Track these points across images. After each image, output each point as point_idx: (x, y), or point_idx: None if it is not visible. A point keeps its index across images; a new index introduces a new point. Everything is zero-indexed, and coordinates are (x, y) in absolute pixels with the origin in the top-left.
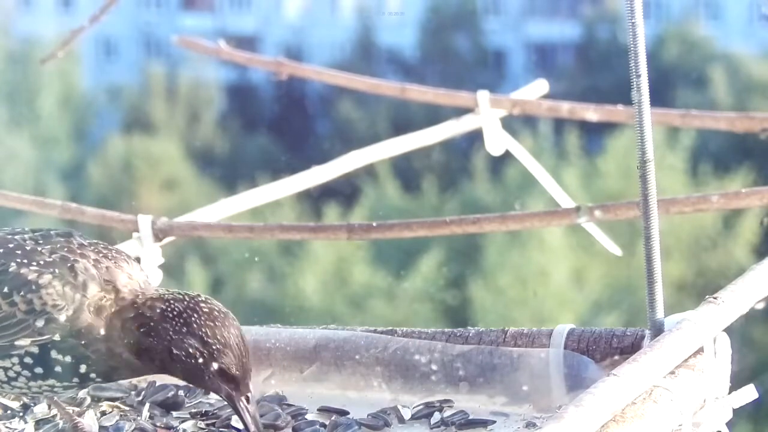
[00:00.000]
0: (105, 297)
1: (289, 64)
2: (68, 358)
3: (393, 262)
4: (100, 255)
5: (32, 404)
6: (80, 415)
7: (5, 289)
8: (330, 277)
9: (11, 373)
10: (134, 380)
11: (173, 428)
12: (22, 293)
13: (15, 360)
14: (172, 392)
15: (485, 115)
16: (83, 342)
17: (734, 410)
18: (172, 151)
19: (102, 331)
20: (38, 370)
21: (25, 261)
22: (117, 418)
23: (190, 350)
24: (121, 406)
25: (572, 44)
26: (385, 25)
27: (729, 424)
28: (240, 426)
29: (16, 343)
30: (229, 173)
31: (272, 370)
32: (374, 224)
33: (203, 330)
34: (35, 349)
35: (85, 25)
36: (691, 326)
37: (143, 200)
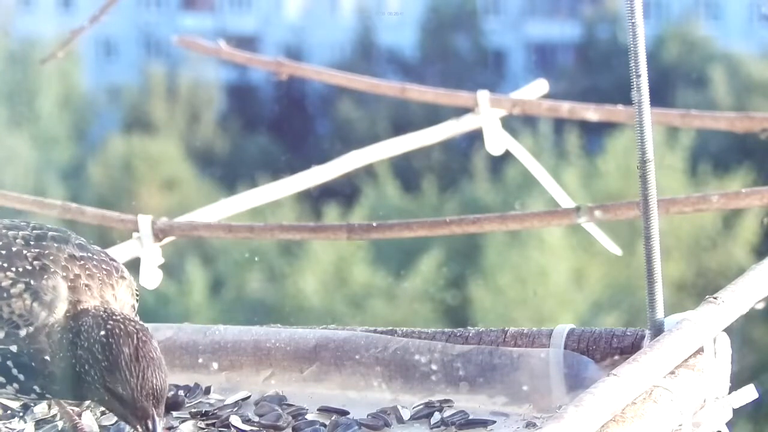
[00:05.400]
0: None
1: (289, 64)
2: (21, 375)
3: (393, 262)
4: (86, 272)
5: (32, 404)
6: (80, 415)
7: None
8: (330, 277)
9: None
10: None
11: (173, 428)
12: None
13: None
14: (172, 392)
15: (485, 115)
16: (32, 363)
17: (734, 410)
18: (172, 151)
19: (47, 357)
20: (0, 378)
21: (5, 265)
22: (117, 417)
23: (86, 366)
24: None
25: (572, 44)
26: (385, 25)
27: (729, 424)
28: (241, 426)
29: None
30: (229, 173)
31: (272, 370)
32: (374, 224)
33: (96, 347)
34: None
35: (85, 25)
36: (691, 326)
37: (143, 200)
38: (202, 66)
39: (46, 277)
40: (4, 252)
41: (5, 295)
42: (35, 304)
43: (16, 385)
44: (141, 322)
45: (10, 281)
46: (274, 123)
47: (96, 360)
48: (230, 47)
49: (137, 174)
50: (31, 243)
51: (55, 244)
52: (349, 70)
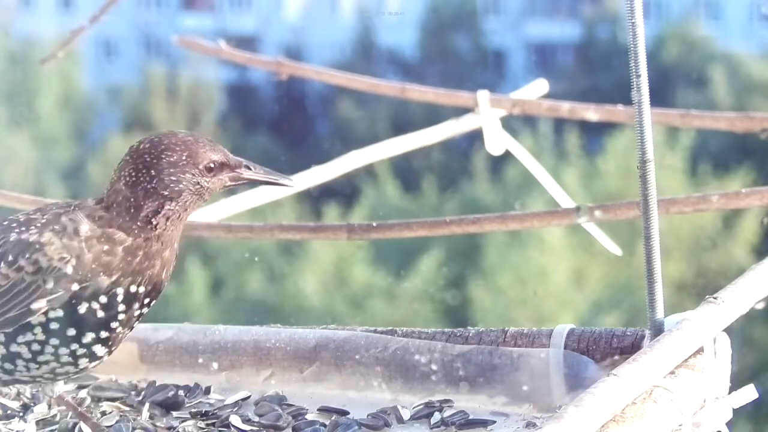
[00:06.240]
0: (97, 221)
1: (289, 64)
2: (102, 299)
3: (393, 262)
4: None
5: (32, 404)
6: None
7: (9, 257)
8: (330, 277)
9: (35, 347)
10: (134, 380)
11: (173, 428)
12: (27, 256)
13: (38, 330)
14: (172, 392)
15: (485, 115)
16: (100, 276)
17: (734, 410)
18: None
19: (106, 259)
20: (71, 331)
21: (23, 228)
22: (117, 418)
23: (173, 178)
24: (121, 406)
25: (572, 44)
26: (385, 25)
27: (729, 424)
28: (241, 426)
29: (32, 306)
30: None
31: (272, 370)
32: (374, 224)
33: (162, 157)
34: (59, 312)
35: (85, 25)
36: (691, 326)
37: None
38: (202, 66)
39: (60, 218)
40: (15, 224)
41: (37, 246)
42: (65, 240)
43: (90, 335)
44: None
45: (36, 233)
46: (274, 123)
47: (175, 164)
48: (230, 47)
49: None
50: (31, 213)
51: (53, 205)
52: (349, 70)
